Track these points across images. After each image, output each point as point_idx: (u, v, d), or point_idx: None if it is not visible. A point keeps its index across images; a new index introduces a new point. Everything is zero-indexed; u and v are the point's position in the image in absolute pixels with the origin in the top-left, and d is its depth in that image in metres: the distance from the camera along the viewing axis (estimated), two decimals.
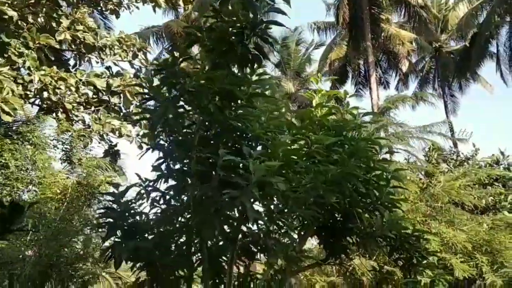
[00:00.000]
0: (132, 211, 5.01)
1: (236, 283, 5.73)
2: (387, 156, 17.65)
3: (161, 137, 5.22)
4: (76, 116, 9.24)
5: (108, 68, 10.82)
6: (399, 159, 16.49)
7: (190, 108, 5.26)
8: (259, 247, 5.82)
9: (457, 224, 11.89)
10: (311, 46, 37.55)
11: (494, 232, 11.36)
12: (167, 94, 4.87)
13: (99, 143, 10.67)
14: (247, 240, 5.74)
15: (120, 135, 9.50)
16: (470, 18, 32.66)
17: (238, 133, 5.27)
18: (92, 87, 9.68)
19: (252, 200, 4.58)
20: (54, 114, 9.26)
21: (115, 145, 11.16)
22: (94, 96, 10.19)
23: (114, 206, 4.93)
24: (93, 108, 9.86)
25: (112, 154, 11.22)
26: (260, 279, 6.12)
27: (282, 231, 6.16)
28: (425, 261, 6.62)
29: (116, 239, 4.86)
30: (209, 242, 5.12)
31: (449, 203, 12.22)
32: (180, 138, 5.26)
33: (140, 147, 9.47)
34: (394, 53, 31.92)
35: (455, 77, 37.41)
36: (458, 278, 10.20)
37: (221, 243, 5.27)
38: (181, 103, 4.96)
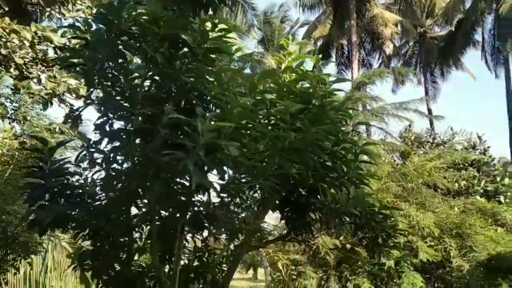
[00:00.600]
0: (64, 172, 4.39)
1: (192, 257, 5.37)
2: (364, 135, 17.34)
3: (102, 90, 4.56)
4: (30, 73, 8.47)
5: (73, 25, 9.95)
6: (375, 138, 16.09)
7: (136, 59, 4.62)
8: (209, 219, 5.25)
9: (428, 207, 11.54)
10: (296, 25, 36.86)
11: (465, 216, 11.05)
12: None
13: (59, 105, 9.90)
14: (198, 211, 5.19)
15: (78, 96, 8.76)
16: (458, 2, 32.23)
17: (193, 92, 4.65)
18: (49, 43, 8.87)
19: (206, 168, 4.04)
20: (5, 71, 8.47)
21: (77, 109, 10.41)
22: (53, 55, 9.39)
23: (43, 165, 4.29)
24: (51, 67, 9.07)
25: (73, 118, 10.46)
26: (218, 254, 5.63)
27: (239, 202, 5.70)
28: (391, 241, 6.15)
29: (43, 203, 4.24)
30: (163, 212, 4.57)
31: (422, 185, 11.85)
32: (124, 91, 4.61)
33: (99, 111, 8.70)
34: (378, 34, 31.43)
35: (438, 63, 37.23)
36: (423, 261, 9.86)
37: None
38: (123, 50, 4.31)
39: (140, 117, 4.45)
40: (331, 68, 34.10)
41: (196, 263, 5.38)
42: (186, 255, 5.47)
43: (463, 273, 9.97)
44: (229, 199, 5.88)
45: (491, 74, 33.34)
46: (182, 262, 5.12)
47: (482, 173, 14.43)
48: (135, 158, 4.42)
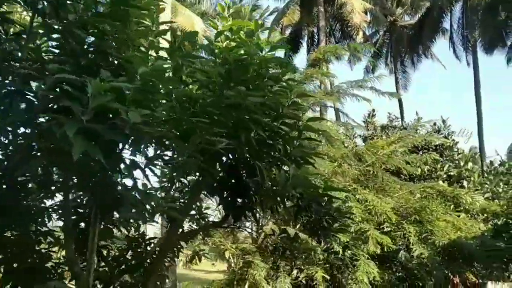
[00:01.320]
0: None
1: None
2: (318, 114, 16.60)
3: None
4: None
5: None
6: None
7: None
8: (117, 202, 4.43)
9: (389, 192, 10.92)
10: (266, 12, 35.96)
11: (426, 201, 10.45)
12: None
13: None
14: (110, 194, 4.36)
15: None
16: None
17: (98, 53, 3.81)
18: None
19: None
20: None
21: None
22: None
23: None
24: None
25: None
26: (155, 243, 5.12)
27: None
28: (337, 225, 5.42)
29: None
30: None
31: (380, 169, 11.21)
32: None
33: None
34: (348, 22, 30.77)
35: (408, 52, 36.89)
36: (385, 249, 9.23)
37: None
38: None
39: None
40: (302, 57, 33.19)
41: (130, 252, 4.95)
42: (120, 246, 4.99)
43: (424, 261, 9.36)
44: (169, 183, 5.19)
45: (459, 63, 33.21)
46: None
47: (445, 157, 13.93)
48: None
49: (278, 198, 5.20)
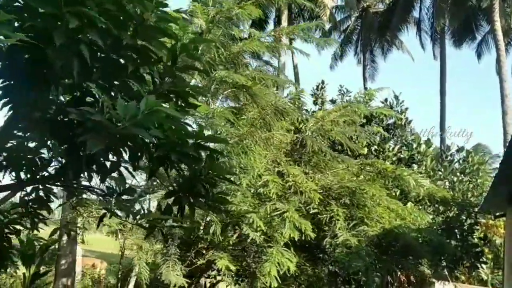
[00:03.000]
0: None
1: None
2: None
3: None
4: None
5: None
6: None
7: None
8: None
9: (323, 168, 8.89)
10: None
11: (364, 182, 8.45)
12: None
13: None
14: None
15: None
16: None
17: None
18: None
19: None
20: None
21: None
22: None
23: None
24: None
25: None
26: None
27: None
28: (220, 194, 3.61)
29: None
30: None
31: (325, 145, 9.20)
32: None
33: None
34: (317, 2, 28.65)
35: (377, 40, 35.11)
36: (293, 236, 7.16)
37: None
38: None
39: None
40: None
41: None
42: None
43: (351, 250, 7.32)
44: None
45: (424, 52, 31.69)
46: None
47: (396, 137, 12.02)
48: None
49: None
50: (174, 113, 3.23)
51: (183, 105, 3.67)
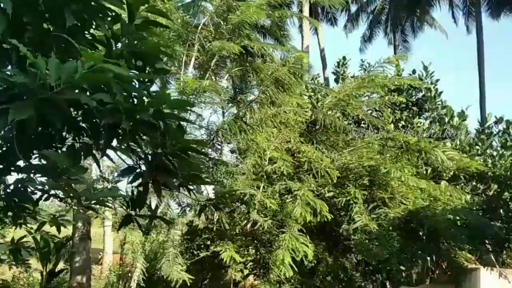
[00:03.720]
0: None
1: None
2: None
3: None
4: None
5: None
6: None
7: None
8: None
9: (340, 146, 7.94)
10: None
11: (386, 158, 7.42)
12: None
13: None
14: None
15: None
16: None
17: None
18: None
19: None
20: None
21: None
22: None
23: None
24: None
25: None
26: None
27: None
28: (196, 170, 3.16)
29: None
30: None
31: (337, 120, 8.22)
32: None
33: None
34: None
35: (407, 18, 33.30)
36: (307, 218, 6.27)
37: None
38: None
39: None
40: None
41: None
42: None
43: (370, 236, 6.35)
44: None
45: (457, 27, 29.69)
46: None
47: (425, 111, 10.83)
48: None
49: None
50: (124, 71, 2.46)
51: (151, 70, 3.06)
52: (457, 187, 9.74)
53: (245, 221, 7.86)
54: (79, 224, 10.09)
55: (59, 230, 4.68)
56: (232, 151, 7.80)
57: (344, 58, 12.58)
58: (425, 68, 11.07)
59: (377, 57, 7.45)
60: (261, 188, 6.83)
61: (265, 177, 7.46)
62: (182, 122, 3.35)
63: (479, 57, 27.25)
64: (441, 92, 10.77)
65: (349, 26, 35.76)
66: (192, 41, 7.25)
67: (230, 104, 7.21)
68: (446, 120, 10.50)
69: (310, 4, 31.17)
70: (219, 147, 7.58)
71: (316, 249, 7.01)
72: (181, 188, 4.22)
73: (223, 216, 6.22)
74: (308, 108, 8.73)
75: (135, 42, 3.22)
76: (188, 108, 3.77)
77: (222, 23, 7.57)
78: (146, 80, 3.70)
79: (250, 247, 7.39)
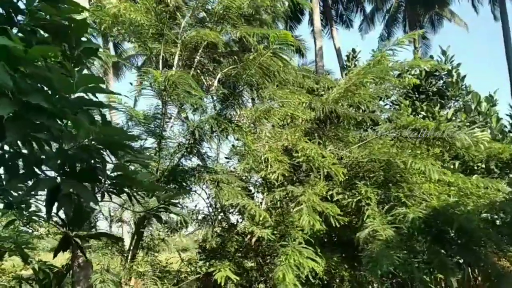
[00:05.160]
0: None
1: None
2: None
3: None
4: None
5: None
6: None
7: None
8: None
9: (347, 141, 6.89)
10: None
11: (402, 149, 6.31)
12: None
13: None
14: None
15: None
16: None
17: None
18: None
19: None
20: None
21: None
22: None
23: None
24: None
25: None
26: None
27: None
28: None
29: None
30: None
31: (343, 110, 7.18)
32: None
33: None
34: None
35: (425, 14, 31.92)
36: (317, 226, 5.21)
37: None
38: None
39: None
40: (304, 28, 29.07)
41: None
42: None
43: (381, 243, 5.17)
44: None
45: (477, 15, 28.06)
46: None
47: (449, 99, 9.61)
48: None
49: None
50: (17, 44, 2.05)
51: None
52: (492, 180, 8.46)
53: (249, 235, 6.87)
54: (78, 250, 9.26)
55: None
56: (227, 158, 6.88)
57: (353, 50, 11.57)
58: (444, 52, 9.92)
59: (396, 58, 6.37)
60: (259, 195, 5.88)
61: (264, 183, 6.50)
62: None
63: (506, 45, 25.62)
64: (464, 76, 9.57)
65: (365, 27, 34.63)
66: (174, 37, 6.42)
67: (219, 106, 6.33)
68: (473, 107, 9.29)
69: (322, 9, 30.27)
70: (210, 150, 6.67)
71: (328, 262, 5.94)
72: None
73: (209, 231, 5.26)
74: (310, 101, 7.70)
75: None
76: (114, 94, 2.90)
77: (206, 16, 6.73)
78: (72, 61, 2.96)
79: (251, 265, 6.39)
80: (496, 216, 7.36)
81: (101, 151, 2.76)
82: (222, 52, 6.59)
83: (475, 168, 8.73)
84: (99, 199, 2.99)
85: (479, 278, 9.49)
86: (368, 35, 31.78)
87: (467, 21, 30.80)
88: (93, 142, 2.66)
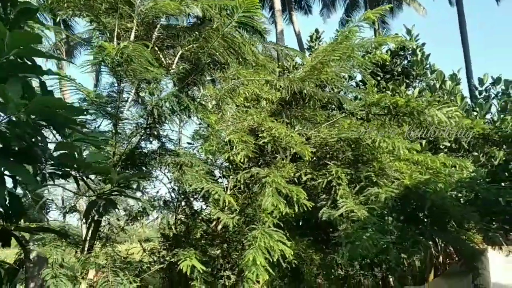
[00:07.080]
0: None
1: None
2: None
3: None
4: None
5: None
6: None
7: None
8: None
9: (319, 123, 6.65)
10: None
11: (371, 127, 6.12)
12: None
13: None
14: None
15: None
16: None
17: None
18: None
19: None
20: None
21: None
22: None
23: None
24: None
25: None
26: None
27: None
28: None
29: None
30: None
31: (309, 88, 6.89)
32: None
33: None
34: None
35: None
36: (284, 210, 4.96)
37: None
38: None
39: None
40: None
41: None
42: None
43: (359, 224, 5.00)
44: None
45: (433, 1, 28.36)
46: None
47: (414, 78, 9.57)
48: None
49: None
50: None
51: None
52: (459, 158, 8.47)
53: (214, 222, 6.55)
54: (31, 244, 8.68)
55: None
56: (189, 143, 6.47)
57: (316, 30, 11.34)
58: (409, 31, 9.83)
59: (357, 42, 6.11)
60: (223, 179, 5.55)
61: (230, 166, 6.18)
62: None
63: (462, 29, 26.13)
64: (428, 55, 9.53)
65: (326, 11, 34.54)
66: (130, 11, 5.92)
67: (180, 85, 5.90)
68: (438, 85, 9.26)
69: None
70: (172, 133, 6.25)
71: (298, 246, 5.71)
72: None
73: (171, 218, 4.89)
74: (277, 80, 7.39)
75: None
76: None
77: None
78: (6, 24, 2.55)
79: (218, 252, 6.07)
80: (460, 195, 7.35)
81: (41, 127, 2.36)
82: (182, 27, 6.15)
83: (441, 147, 8.73)
84: (39, 182, 2.59)
85: (441, 257, 9.58)
86: (330, 19, 31.70)
87: (425, 6, 31.20)
88: (32, 116, 2.26)
